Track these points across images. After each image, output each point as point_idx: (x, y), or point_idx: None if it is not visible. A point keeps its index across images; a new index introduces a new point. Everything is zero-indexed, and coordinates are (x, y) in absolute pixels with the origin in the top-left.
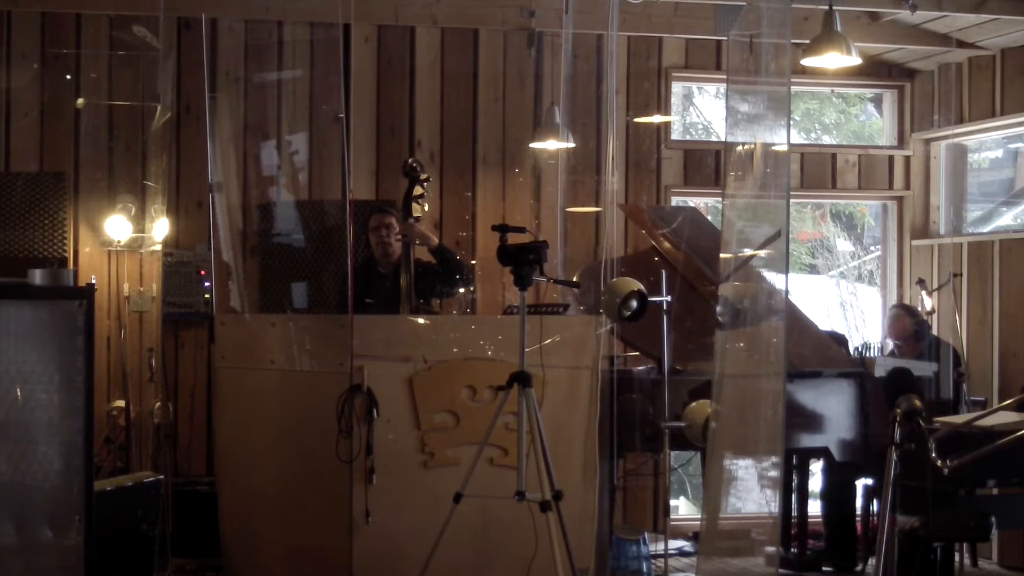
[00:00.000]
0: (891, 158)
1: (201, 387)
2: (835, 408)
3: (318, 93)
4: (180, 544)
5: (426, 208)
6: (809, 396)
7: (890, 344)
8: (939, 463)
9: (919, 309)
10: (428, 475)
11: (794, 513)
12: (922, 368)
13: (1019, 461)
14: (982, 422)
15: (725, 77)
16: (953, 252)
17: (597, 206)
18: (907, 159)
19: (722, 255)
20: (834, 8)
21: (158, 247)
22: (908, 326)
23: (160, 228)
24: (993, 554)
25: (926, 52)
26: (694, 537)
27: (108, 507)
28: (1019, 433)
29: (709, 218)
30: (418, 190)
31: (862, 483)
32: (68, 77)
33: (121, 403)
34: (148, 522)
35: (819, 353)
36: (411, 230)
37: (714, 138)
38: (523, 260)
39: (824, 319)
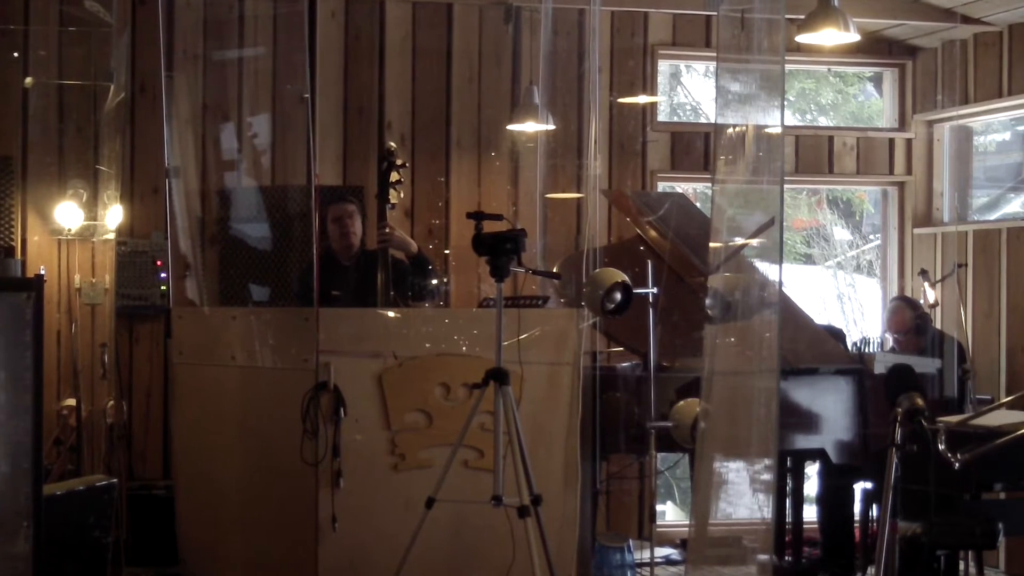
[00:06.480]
0: (891, 141)
1: (157, 385)
2: (832, 407)
3: (282, 72)
4: (135, 552)
5: (402, 195)
6: (804, 394)
7: (889, 339)
8: (949, 456)
9: (921, 301)
10: (399, 478)
11: (788, 519)
12: (925, 364)
13: None
14: (986, 421)
15: (715, 55)
16: (957, 241)
17: (579, 192)
18: (908, 142)
19: (712, 244)
20: None
21: (111, 236)
22: (908, 319)
23: (113, 215)
24: (1000, 562)
25: (929, 28)
26: (682, 544)
27: (58, 513)
28: None
29: (698, 205)
30: (395, 176)
31: (861, 487)
32: (15, 55)
33: (72, 402)
34: (101, 528)
35: (815, 349)
36: (391, 237)
37: (703, 120)
38: (500, 250)
39: (820, 312)
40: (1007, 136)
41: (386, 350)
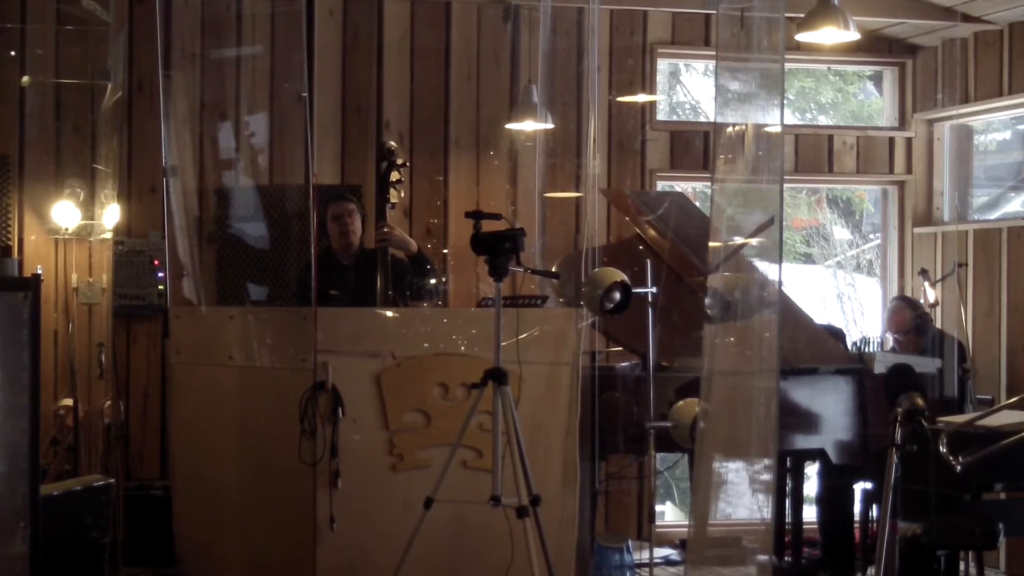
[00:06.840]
0: (891, 140)
1: (155, 385)
2: (832, 407)
3: (279, 70)
4: (133, 552)
5: (402, 195)
6: (804, 394)
7: (890, 339)
8: (951, 459)
9: (921, 301)
10: (397, 479)
11: (788, 519)
12: (925, 364)
13: None
14: (988, 422)
15: (714, 53)
16: (958, 240)
17: (577, 191)
18: (908, 141)
19: (711, 244)
20: None
21: (108, 235)
22: (909, 319)
23: (111, 215)
24: (1000, 562)
25: (929, 27)
26: (681, 545)
27: (55, 513)
28: None
29: (697, 204)
30: (395, 175)
31: (861, 487)
32: (12, 53)
33: (69, 402)
34: (98, 529)
35: (814, 348)
36: (390, 236)
37: (702, 119)
38: (498, 249)
39: (820, 312)
40: (1007, 135)
41: (384, 350)
